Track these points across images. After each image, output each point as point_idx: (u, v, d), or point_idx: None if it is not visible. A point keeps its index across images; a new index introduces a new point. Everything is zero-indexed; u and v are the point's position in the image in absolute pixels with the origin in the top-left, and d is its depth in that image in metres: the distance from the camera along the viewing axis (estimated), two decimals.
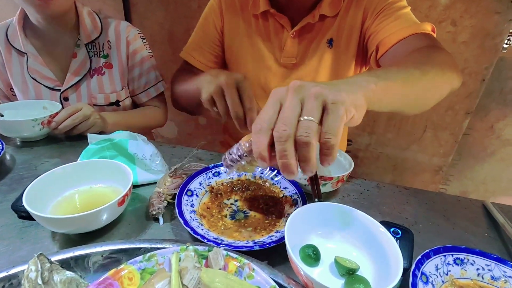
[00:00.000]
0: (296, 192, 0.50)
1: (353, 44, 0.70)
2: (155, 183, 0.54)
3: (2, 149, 0.58)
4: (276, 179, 0.54)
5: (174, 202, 0.46)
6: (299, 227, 0.40)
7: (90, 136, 0.54)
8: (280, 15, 0.69)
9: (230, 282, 0.30)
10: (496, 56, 1.18)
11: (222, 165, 0.51)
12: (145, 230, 0.45)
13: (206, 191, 0.51)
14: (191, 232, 0.40)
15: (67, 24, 0.79)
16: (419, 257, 0.38)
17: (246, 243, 0.40)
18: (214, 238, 0.40)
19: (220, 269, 0.32)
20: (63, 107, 0.73)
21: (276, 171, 0.54)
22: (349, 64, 0.72)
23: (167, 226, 0.46)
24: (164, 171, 0.55)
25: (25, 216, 0.45)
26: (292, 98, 0.31)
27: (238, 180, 0.55)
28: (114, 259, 0.35)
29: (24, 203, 0.39)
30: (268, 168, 0.55)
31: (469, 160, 1.46)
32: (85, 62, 0.82)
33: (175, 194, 0.48)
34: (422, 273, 0.36)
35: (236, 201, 0.51)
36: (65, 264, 0.32)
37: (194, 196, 0.49)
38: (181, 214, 0.43)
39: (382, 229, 0.38)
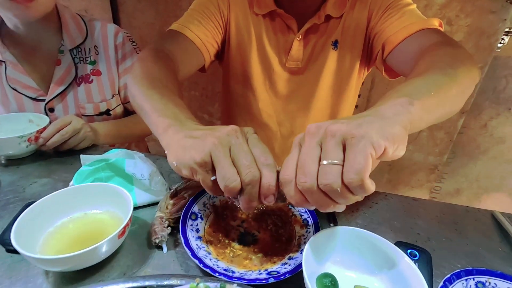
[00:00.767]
0: (305, 211, 0.48)
1: (358, 45, 0.68)
2: (155, 203, 0.50)
3: None
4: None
5: (177, 225, 0.43)
6: (315, 255, 0.37)
7: (83, 157, 0.50)
8: (287, 15, 0.66)
9: None
10: (491, 55, 1.18)
11: None
12: (148, 261, 0.41)
13: (210, 211, 0.48)
14: (200, 265, 0.37)
15: (49, 28, 0.74)
16: (442, 283, 0.36)
17: (259, 274, 0.38)
18: (225, 270, 0.37)
19: None
20: (50, 120, 0.68)
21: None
22: (353, 66, 0.71)
23: (171, 254, 0.43)
24: (165, 191, 0.52)
25: (14, 249, 0.41)
26: (309, 142, 0.29)
27: None
28: None
29: (12, 240, 0.35)
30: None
31: (463, 158, 1.48)
32: (70, 70, 0.77)
33: (178, 217, 0.45)
34: None
35: (242, 222, 0.48)
36: None
37: (199, 220, 0.46)
38: (187, 243, 0.40)
39: (406, 258, 0.36)
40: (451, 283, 0.37)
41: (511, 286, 0.38)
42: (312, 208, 0.31)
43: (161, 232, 0.42)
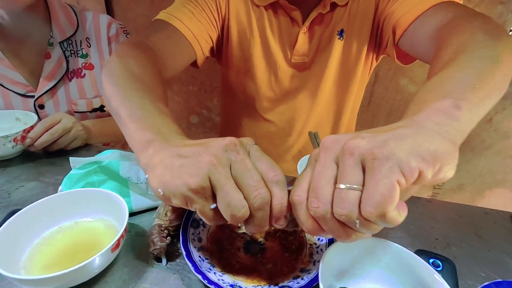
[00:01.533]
0: None
1: (365, 33, 0.64)
2: (153, 208, 0.47)
3: None
4: None
5: (177, 233, 0.39)
6: (331, 267, 0.34)
7: (73, 160, 0.46)
8: (291, 6, 0.61)
9: None
10: None
11: None
12: (146, 275, 0.38)
13: None
14: (204, 281, 0.33)
15: (37, 19, 0.68)
16: None
17: None
18: (231, 286, 0.34)
19: None
20: (39, 118, 0.64)
21: None
22: (359, 56, 0.67)
23: (171, 266, 0.39)
24: None
25: None
26: (324, 158, 0.24)
27: None
28: None
29: None
30: None
31: (466, 154, 1.45)
32: (61, 63, 0.72)
33: (179, 224, 0.41)
34: None
35: None
36: None
37: (201, 227, 0.42)
38: (189, 256, 0.36)
39: (436, 276, 0.32)
40: None
41: None
42: (329, 237, 0.27)
43: (160, 243, 0.38)
